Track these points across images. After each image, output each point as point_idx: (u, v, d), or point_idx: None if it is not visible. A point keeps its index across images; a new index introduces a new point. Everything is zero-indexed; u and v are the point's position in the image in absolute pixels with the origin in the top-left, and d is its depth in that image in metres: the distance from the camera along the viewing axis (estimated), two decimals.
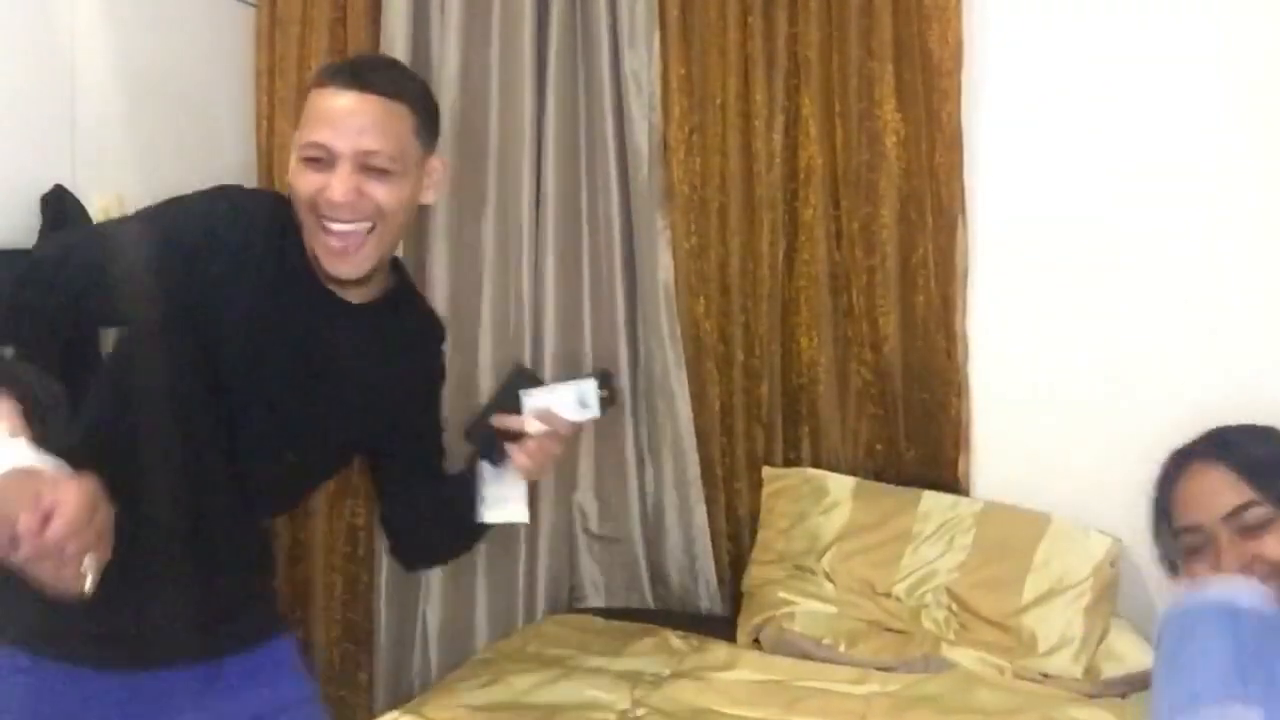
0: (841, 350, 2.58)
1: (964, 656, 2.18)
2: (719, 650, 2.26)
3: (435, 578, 2.70)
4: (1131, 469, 2.39)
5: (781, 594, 2.38)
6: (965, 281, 2.49)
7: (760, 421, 2.61)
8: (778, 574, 2.43)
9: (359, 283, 1.55)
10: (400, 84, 1.54)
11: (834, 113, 2.52)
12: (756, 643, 2.32)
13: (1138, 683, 2.12)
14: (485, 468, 1.64)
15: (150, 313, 1.43)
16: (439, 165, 1.59)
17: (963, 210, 2.47)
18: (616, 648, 2.26)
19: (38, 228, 2.11)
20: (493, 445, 1.61)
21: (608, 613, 2.57)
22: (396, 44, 2.63)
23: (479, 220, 2.67)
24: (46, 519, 1.09)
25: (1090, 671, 2.16)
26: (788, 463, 2.59)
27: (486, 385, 2.68)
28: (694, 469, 2.58)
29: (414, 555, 1.85)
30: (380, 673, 2.73)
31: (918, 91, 2.46)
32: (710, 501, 2.60)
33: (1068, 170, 2.46)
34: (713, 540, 2.60)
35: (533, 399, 1.61)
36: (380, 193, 1.48)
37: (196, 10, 2.59)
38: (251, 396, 1.50)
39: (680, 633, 2.35)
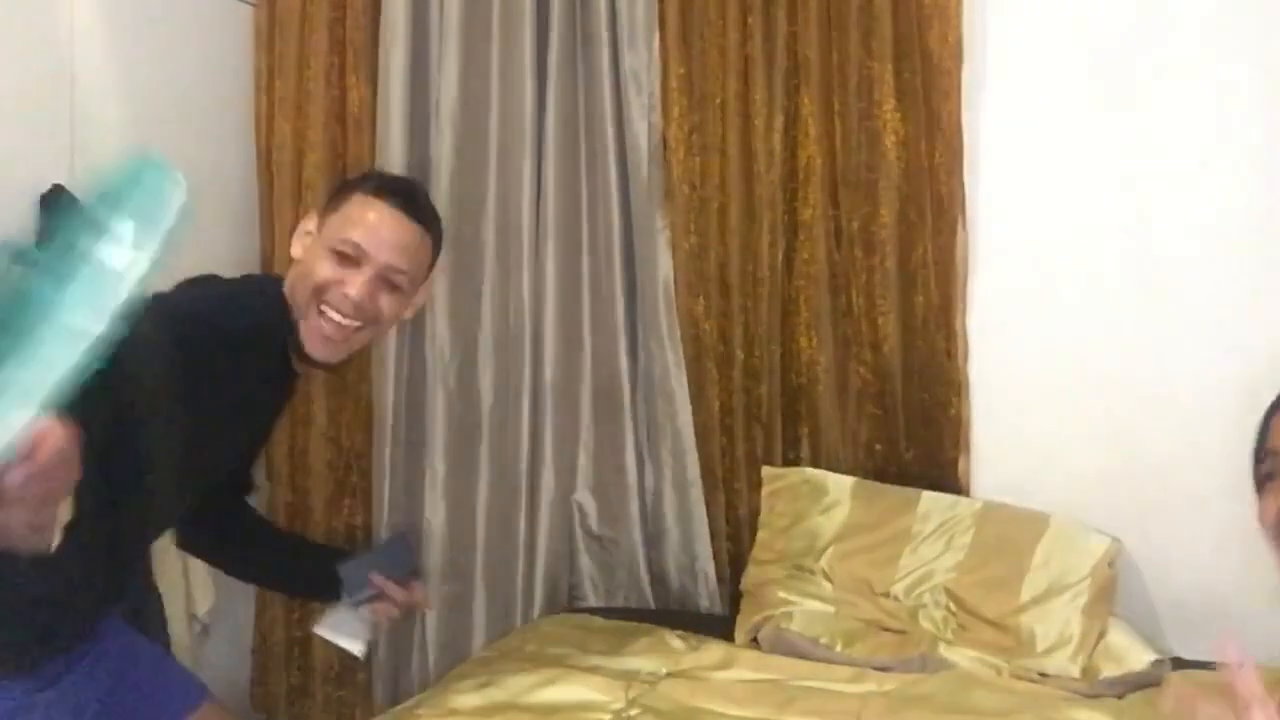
0: (841, 350, 2.57)
1: (962, 656, 2.18)
2: (716, 650, 2.25)
3: (434, 578, 2.70)
4: (1131, 469, 2.42)
5: (780, 593, 2.38)
6: (965, 281, 2.49)
7: (760, 421, 2.60)
8: (777, 573, 2.43)
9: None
10: (432, 217, 1.76)
11: (833, 112, 2.51)
12: (755, 642, 2.31)
13: (1135, 683, 2.12)
14: (343, 600, 1.89)
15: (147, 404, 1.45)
16: (426, 290, 1.79)
17: (962, 210, 2.46)
18: (614, 647, 2.26)
19: (36, 226, 2.12)
20: (362, 589, 1.87)
21: (606, 612, 2.57)
22: (396, 43, 2.63)
23: (479, 220, 2.67)
24: (39, 443, 0.97)
25: (1088, 671, 2.15)
26: (787, 462, 2.59)
27: (486, 385, 2.69)
28: (694, 469, 2.58)
29: (201, 555, 2.05)
30: (378, 672, 2.73)
31: (917, 91, 2.45)
32: (710, 501, 2.60)
33: (1068, 170, 2.45)
34: (712, 540, 2.60)
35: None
36: (386, 303, 1.67)
37: (195, 9, 2.59)
38: (204, 448, 1.59)
39: (678, 632, 2.34)
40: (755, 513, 2.57)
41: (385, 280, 1.66)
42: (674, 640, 2.30)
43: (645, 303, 2.60)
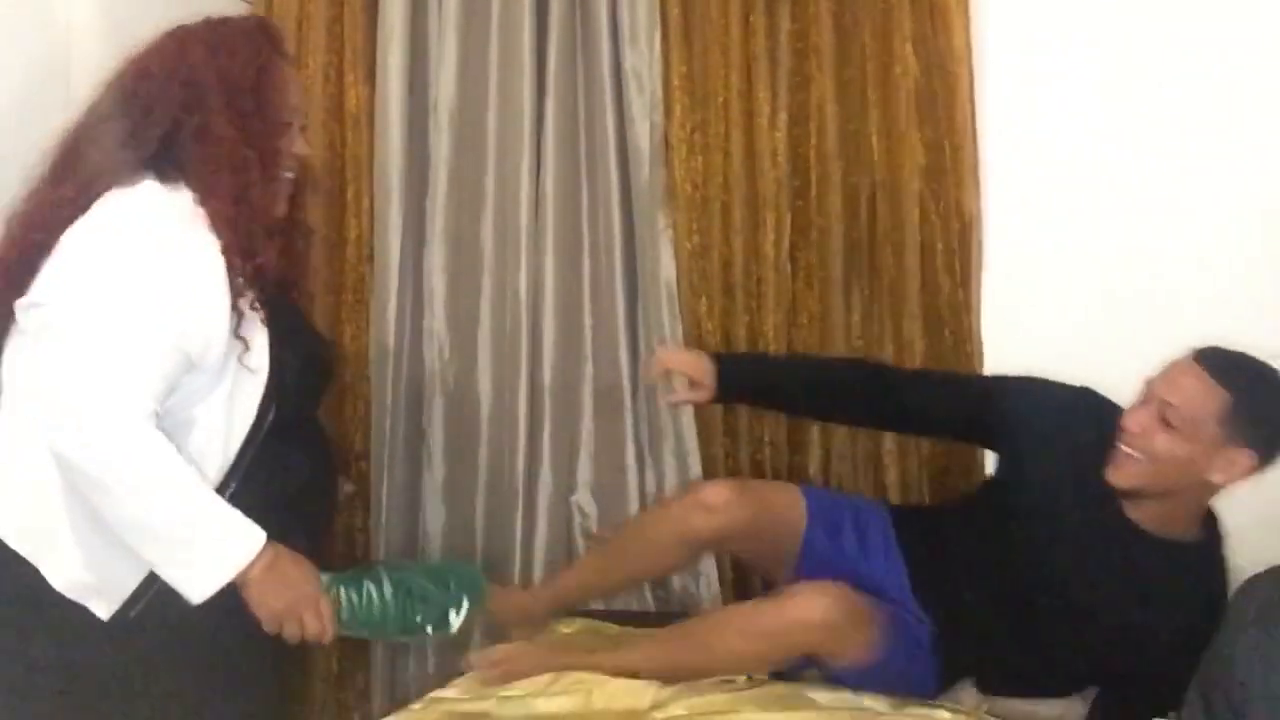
0: (847, 352, 2.56)
1: None
2: None
3: None
4: None
5: None
6: (977, 284, 2.48)
7: (763, 423, 2.59)
8: None
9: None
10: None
11: (837, 110, 2.50)
12: None
13: None
14: None
15: None
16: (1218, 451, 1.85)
17: (974, 210, 2.46)
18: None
19: None
20: None
21: (607, 615, 2.55)
22: (394, 42, 2.61)
23: (478, 220, 2.66)
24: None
25: None
26: (791, 465, 2.57)
27: (485, 386, 2.67)
28: (696, 469, 2.56)
29: None
30: (378, 676, 2.71)
31: (925, 91, 2.45)
32: None
33: (1079, 173, 2.45)
34: None
35: None
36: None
37: (194, 9, 2.56)
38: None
39: None
40: None
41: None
42: None
43: (648, 303, 2.59)
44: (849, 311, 2.55)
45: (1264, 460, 1.83)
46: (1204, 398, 1.82)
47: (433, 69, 2.65)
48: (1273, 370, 1.87)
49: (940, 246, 2.46)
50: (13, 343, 1.72)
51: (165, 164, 1.72)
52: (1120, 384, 2.39)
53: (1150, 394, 1.88)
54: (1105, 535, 1.93)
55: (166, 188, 1.72)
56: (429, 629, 1.92)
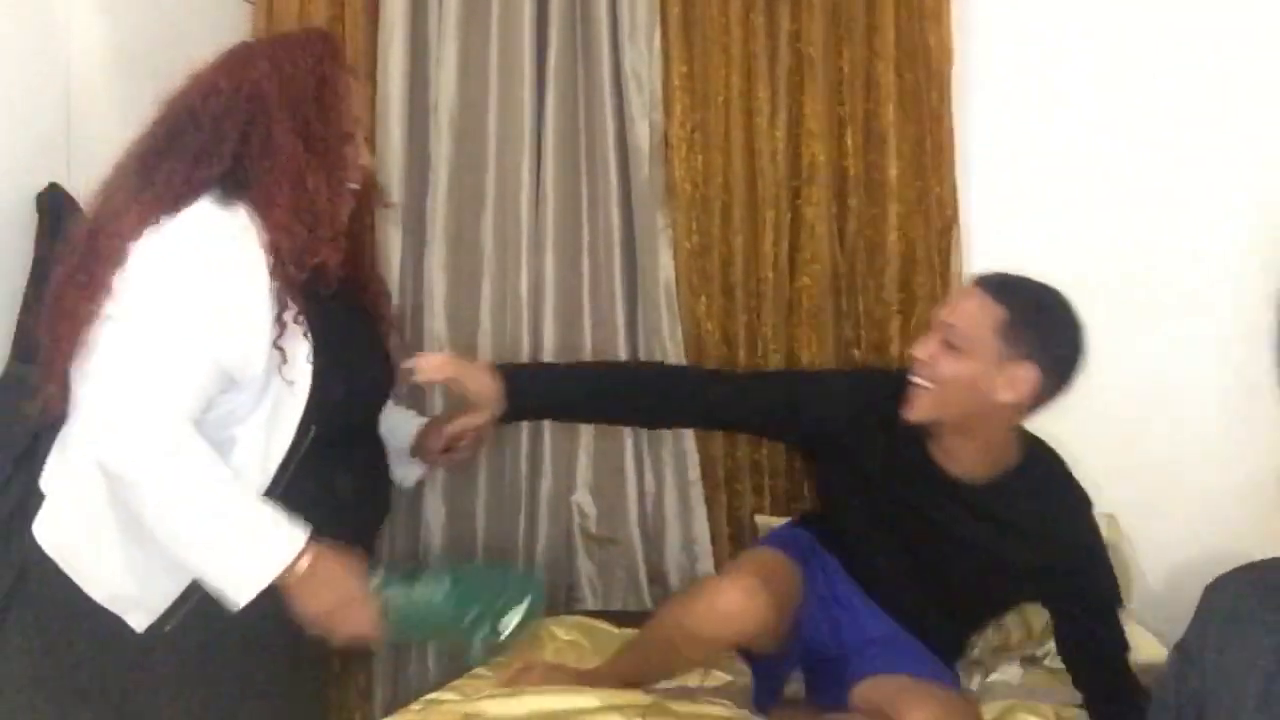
0: (843, 351, 2.57)
1: None
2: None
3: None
4: (1134, 468, 2.42)
5: None
6: (959, 278, 2.48)
7: None
8: None
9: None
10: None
11: (836, 110, 2.51)
12: None
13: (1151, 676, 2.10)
14: None
15: None
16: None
17: (954, 212, 2.47)
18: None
19: (34, 226, 2.10)
20: None
21: (605, 615, 2.55)
22: (394, 42, 2.61)
23: (478, 220, 2.66)
24: None
25: None
26: (790, 463, 2.58)
27: None
28: (695, 470, 2.57)
29: None
30: (379, 676, 2.71)
31: (918, 91, 2.47)
32: (711, 502, 2.59)
33: (1065, 172, 2.48)
34: (713, 541, 2.59)
35: None
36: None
37: (193, 8, 2.57)
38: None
39: None
40: (757, 513, 2.57)
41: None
42: None
43: (647, 302, 2.59)
44: (838, 311, 2.56)
45: (1047, 374, 1.83)
46: (981, 314, 1.83)
47: (433, 69, 2.65)
48: (1050, 288, 1.88)
49: (921, 244, 2.47)
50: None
51: (231, 181, 1.73)
52: (1113, 382, 2.41)
53: (935, 323, 1.89)
54: (931, 492, 1.94)
55: (221, 208, 1.71)
56: (479, 636, 1.83)
